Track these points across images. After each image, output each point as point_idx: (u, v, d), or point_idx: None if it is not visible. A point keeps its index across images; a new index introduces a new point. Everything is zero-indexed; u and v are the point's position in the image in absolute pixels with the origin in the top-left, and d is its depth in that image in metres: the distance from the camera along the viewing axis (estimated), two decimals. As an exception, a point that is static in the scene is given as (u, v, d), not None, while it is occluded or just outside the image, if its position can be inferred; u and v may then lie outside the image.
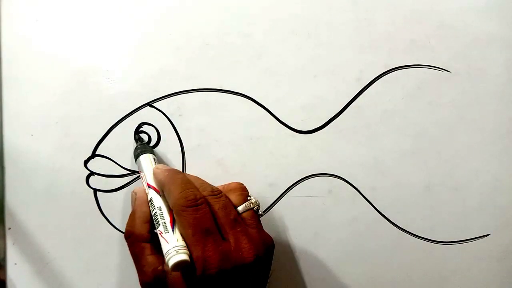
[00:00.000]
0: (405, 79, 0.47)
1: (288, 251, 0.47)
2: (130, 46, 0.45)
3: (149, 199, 0.37)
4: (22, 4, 0.44)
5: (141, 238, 0.36)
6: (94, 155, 0.45)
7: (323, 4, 0.46)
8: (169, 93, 0.45)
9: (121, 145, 0.45)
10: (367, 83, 0.47)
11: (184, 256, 0.32)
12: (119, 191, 0.45)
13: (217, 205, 0.36)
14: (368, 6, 0.47)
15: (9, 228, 0.45)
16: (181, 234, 0.34)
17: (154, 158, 0.42)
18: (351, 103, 0.47)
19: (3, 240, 0.45)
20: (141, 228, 0.37)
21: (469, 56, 0.48)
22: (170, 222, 0.35)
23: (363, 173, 0.47)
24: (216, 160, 0.46)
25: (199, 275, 0.32)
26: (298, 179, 0.47)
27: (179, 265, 0.32)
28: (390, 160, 0.48)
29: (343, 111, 0.47)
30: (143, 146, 0.43)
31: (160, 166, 0.40)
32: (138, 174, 0.45)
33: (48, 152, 0.45)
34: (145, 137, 0.44)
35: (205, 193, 0.37)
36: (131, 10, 0.45)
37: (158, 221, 0.35)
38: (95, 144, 0.45)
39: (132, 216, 0.38)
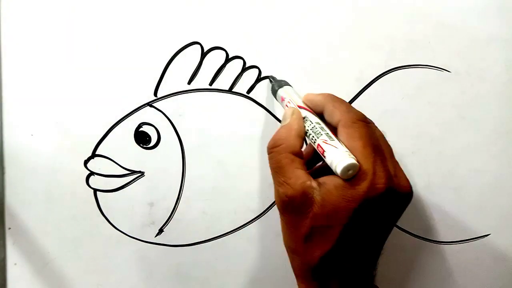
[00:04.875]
0: (405, 79, 0.47)
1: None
2: (130, 46, 0.45)
3: (303, 115, 0.36)
4: (22, 4, 0.44)
5: (293, 150, 0.34)
6: (94, 155, 0.45)
7: (323, 3, 0.46)
8: (169, 93, 0.45)
9: (121, 145, 0.45)
10: (367, 83, 0.47)
11: (355, 161, 0.30)
12: (119, 191, 0.45)
13: (377, 132, 0.35)
14: (368, 6, 0.47)
15: (9, 228, 0.45)
16: (348, 147, 0.32)
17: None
18: (351, 103, 0.47)
19: (3, 240, 0.45)
20: (295, 140, 0.34)
21: (469, 56, 0.48)
22: (332, 134, 0.34)
23: (363, 173, 0.47)
24: (216, 160, 0.46)
25: (367, 187, 0.30)
26: (298, 179, 0.47)
27: (348, 169, 0.30)
28: (390, 160, 0.47)
29: (343, 111, 0.47)
30: (282, 81, 0.43)
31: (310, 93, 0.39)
32: (139, 174, 0.45)
33: (48, 152, 0.45)
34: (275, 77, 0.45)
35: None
36: (131, 10, 0.45)
37: (319, 132, 0.34)
38: (95, 144, 0.45)
39: (288, 128, 0.35)
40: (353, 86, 0.47)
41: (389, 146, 0.35)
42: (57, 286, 0.45)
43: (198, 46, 0.45)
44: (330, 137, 0.33)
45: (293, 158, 0.33)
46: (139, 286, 0.46)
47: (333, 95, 0.37)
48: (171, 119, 0.45)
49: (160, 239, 0.46)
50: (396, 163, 0.34)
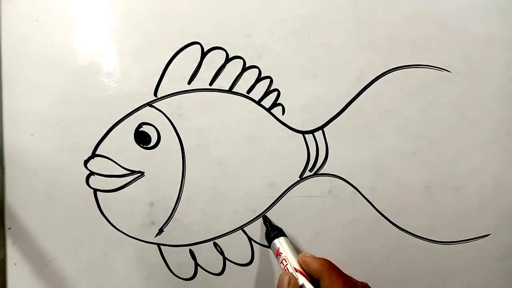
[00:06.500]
0: (405, 79, 0.47)
1: (288, 251, 0.47)
2: (130, 46, 0.45)
3: (300, 283, 0.38)
4: (22, 4, 0.44)
5: None
6: (94, 155, 0.45)
7: (323, 4, 0.47)
8: (169, 93, 0.45)
9: (121, 145, 0.45)
10: (367, 83, 0.47)
11: None
12: (119, 191, 0.45)
13: None
14: (368, 6, 0.47)
15: (9, 228, 0.45)
16: None
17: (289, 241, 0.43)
18: (351, 103, 0.47)
19: (3, 240, 0.45)
20: None
21: (469, 56, 0.48)
22: None
23: (363, 173, 0.47)
24: (216, 160, 0.46)
25: None
26: (298, 179, 0.47)
27: None
28: (390, 160, 0.48)
29: (343, 111, 0.47)
30: (278, 228, 0.44)
31: (307, 254, 0.41)
32: (139, 174, 0.45)
33: (48, 152, 0.45)
34: (269, 222, 0.46)
35: None
36: (131, 10, 0.45)
37: None
38: (95, 144, 0.45)
39: None
40: (353, 86, 0.47)
41: None
42: (57, 286, 0.45)
43: (198, 46, 0.45)
44: None
45: None
46: (139, 286, 0.46)
47: (330, 263, 0.39)
48: (171, 119, 0.45)
49: (160, 239, 0.46)
50: None
